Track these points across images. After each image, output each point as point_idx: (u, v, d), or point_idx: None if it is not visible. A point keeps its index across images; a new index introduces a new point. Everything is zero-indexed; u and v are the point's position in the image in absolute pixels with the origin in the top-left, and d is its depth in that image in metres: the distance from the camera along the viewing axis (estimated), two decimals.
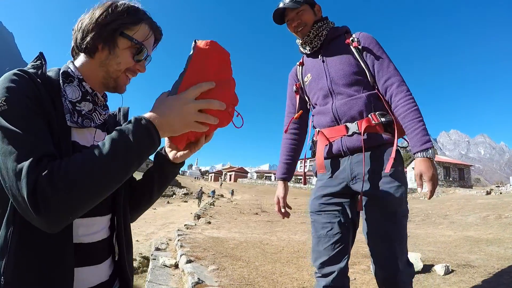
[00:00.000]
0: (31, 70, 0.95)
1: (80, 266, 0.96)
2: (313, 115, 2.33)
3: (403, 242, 1.92)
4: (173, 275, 4.93)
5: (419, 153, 1.83)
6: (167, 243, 7.27)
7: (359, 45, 2.10)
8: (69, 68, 1.05)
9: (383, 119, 1.98)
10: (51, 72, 1.04)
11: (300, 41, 2.32)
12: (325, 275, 2.02)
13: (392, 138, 1.98)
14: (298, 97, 2.42)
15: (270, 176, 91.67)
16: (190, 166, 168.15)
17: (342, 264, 2.00)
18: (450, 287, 3.65)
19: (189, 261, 4.86)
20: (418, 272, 4.25)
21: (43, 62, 1.00)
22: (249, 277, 4.30)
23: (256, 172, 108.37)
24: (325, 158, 2.17)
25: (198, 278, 3.94)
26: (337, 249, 2.02)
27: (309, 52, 2.31)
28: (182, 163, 1.23)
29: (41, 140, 0.82)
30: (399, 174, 1.94)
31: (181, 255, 5.42)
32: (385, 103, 2.04)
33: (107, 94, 1.19)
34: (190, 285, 3.81)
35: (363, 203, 1.98)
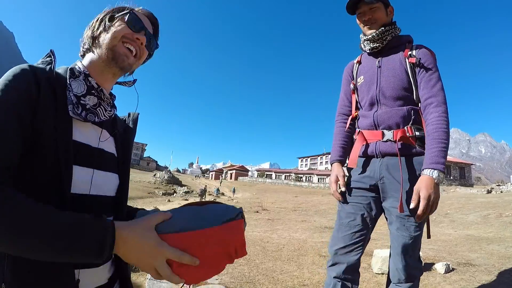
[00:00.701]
0: (40, 66, 0.96)
1: (79, 269, 0.94)
2: (358, 116, 2.42)
3: (419, 239, 2.06)
4: None
5: (426, 170, 1.88)
6: None
7: (416, 61, 2.14)
8: (76, 65, 1.07)
9: (417, 133, 2.08)
10: (60, 69, 1.04)
11: (364, 37, 2.33)
12: (336, 265, 2.16)
13: (423, 151, 2.03)
14: (353, 96, 2.49)
15: (271, 174, 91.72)
16: (191, 164, 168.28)
17: (355, 257, 2.13)
18: (451, 286, 3.65)
19: None
20: None
21: (53, 59, 1.01)
22: (250, 275, 4.32)
23: (257, 170, 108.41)
24: (359, 157, 2.29)
25: None
26: (355, 240, 2.15)
27: (368, 52, 2.37)
28: None
29: (5, 150, 0.78)
30: None
31: None
32: (422, 119, 2.11)
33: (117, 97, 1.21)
34: None
35: (389, 204, 2.11)
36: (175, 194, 41.56)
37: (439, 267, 4.24)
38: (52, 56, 1.02)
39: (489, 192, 26.65)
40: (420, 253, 4.41)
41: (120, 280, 1.13)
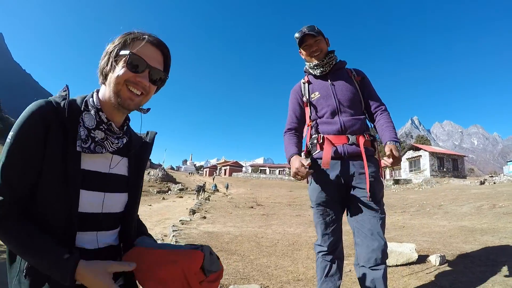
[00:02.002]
0: (57, 100, 1.14)
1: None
2: (317, 124, 2.81)
3: (384, 221, 2.55)
4: None
5: (390, 142, 2.56)
6: (163, 239, 7.25)
7: (360, 79, 2.85)
8: (92, 98, 1.23)
9: (371, 138, 2.73)
10: (78, 98, 1.22)
11: (312, 64, 2.84)
12: (320, 247, 2.76)
13: (374, 151, 2.74)
14: (306, 109, 2.92)
15: (265, 169, 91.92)
16: (185, 161, 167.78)
17: (335, 238, 2.71)
18: (445, 277, 3.64)
19: None
20: (413, 263, 4.27)
21: (67, 94, 1.16)
22: (244, 271, 4.29)
23: (251, 165, 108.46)
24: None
25: None
26: (332, 228, 2.70)
27: (318, 74, 2.85)
28: None
29: (10, 188, 1.04)
30: (379, 176, 2.67)
31: None
32: (368, 127, 2.82)
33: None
34: None
35: (361, 194, 2.56)
36: (169, 192, 41.55)
37: (434, 259, 4.23)
38: (67, 91, 1.17)
39: (482, 183, 26.92)
40: (414, 244, 4.44)
41: (125, 277, 1.29)
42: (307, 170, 2.57)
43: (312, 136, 2.83)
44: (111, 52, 1.18)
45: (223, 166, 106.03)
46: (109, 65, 1.18)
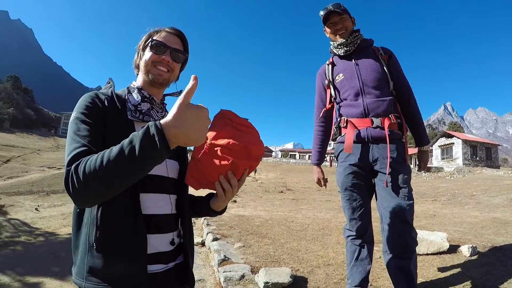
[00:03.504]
0: (104, 91, 1.37)
1: (150, 234, 1.22)
2: (340, 106, 2.83)
3: (412, 207, 2.48)
4: (200, 253, 5.13)
5: (423, 147, 2.84)
6: (194, 222, 7.46)
7: (387, 58, 2.74)
8: (131, 84, 1.46)
9: (398, 120, 2.63)
10: (120, 91, 1.43)
11: (337, 43, 2.79)
12: (349, 231, 2.79)
13: (402, 135, 2.66)
14: (328, 92, 2.92)
15: (295, 154, 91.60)
16: None
17: (363, 223, 2.72)
18: (476, 269, 3.63)
19: (215, 239, 5.03)
20: (444, 252, 4.26)
21: (112, 84, 1.41)
22: (275, 254, 4.43)
23: (281, 150, 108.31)
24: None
25: (224, 255, 4.08)
26: (360, 212, 2.72)
27: (342, 54, 2.81)
28: (222, 211, 1.48)
29: (88, 141, 1.12)
30: (405, 160, 2.61)
31: (207, 233, 5.61)
32: (399, 109, 2.74)
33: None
34: (216, 262, 3.95)
35: (385, 179, 2.53)
36: None
37: (465, 249, 4.21)
38: (112, 82, 1.42)
39: None
40: (445, 233, 4.43)
41: (185, 255, 1.39)
42: (323, 184, 3.05)
43: (337, 120, 2.87)
44: (139, 47, 1.45)
45: None
46: (139, 57, 1.44)
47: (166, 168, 1.34)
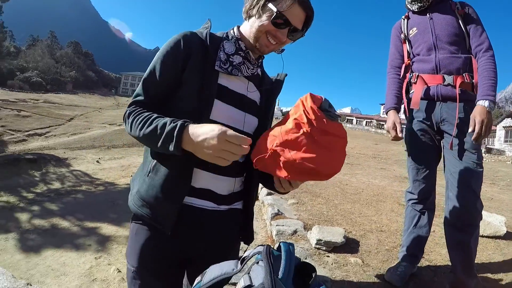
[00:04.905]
0: (200, 30, 1.36)
1: (199, 168, 1.28)
2: (413, 62, 2.70)
3: (480, 176, 2.34)
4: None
5: (480, 101, 2.24)
6: None
7: (463, 12, 2.52)
8: (232, 30, 1.42)
9: (473, 81, 2.41)
10: (219, 33, 1.41)
11: None
12: (411, 195, 2.70)
13: (475, 97, 2.35)
14: (405, 47, 2.79)
15: (352, 119, 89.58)
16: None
17: (426, 186, 2.61)
18: None
19: (269, 194, 5.09)
20: (500, 237, 3.99)
21: (209, 25, 1.37)
22: (328, 214, 4.44)
23: (338, 114, 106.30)
24: (421, 99, 2.57)
25: (278, 210, 4.14)
26: (424, 174, 2.60)
27: (416, 10, 2.69)
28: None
29: (150, 94, 1.29)
30: None
31: (261, 187, 5.66)
32: (474, 67, 2.43)
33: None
34: (269, 216, 4.03)
35: (451, 142, 2.40)
36: None
37: None
38: (209, 23, 1.38)
39: None
40: (504, 218, 4.14)
41: (244, 203, 1.48)
42: (395, 134, 2.58)
43: (409, 75, 2.73)
44: (259, 1, 1.29)
45: None
46: (255, 10, 1.30)
47: (243, 122, 1.37)
